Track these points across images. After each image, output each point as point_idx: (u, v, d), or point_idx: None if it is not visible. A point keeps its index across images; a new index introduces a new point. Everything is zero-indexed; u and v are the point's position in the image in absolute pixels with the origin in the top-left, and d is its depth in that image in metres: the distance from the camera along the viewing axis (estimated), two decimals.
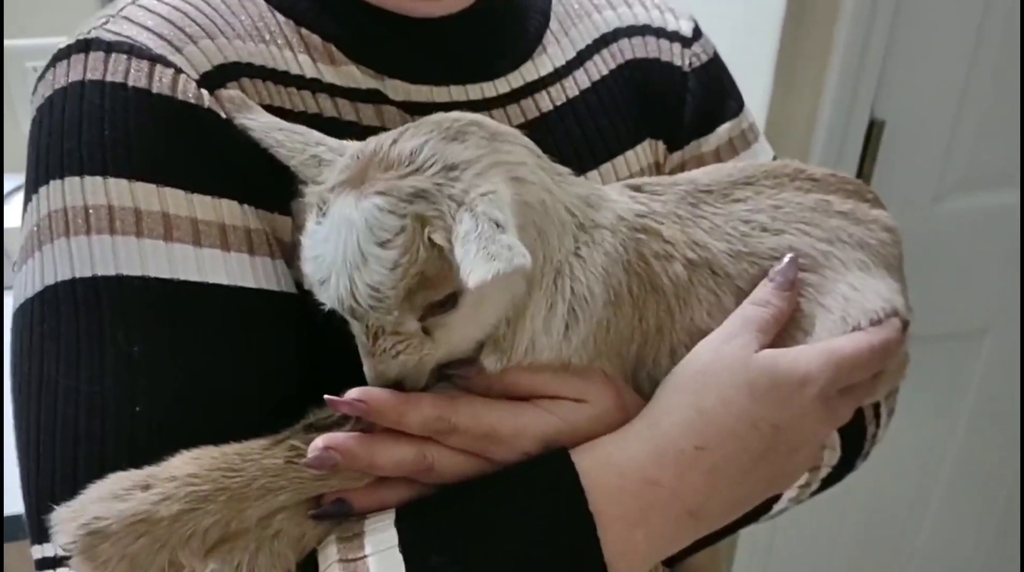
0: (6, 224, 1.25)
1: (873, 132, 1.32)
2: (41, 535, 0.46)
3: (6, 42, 1.40)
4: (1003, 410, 1.66)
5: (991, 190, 1.45)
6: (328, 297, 0.45)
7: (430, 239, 0.43)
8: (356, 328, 0.47)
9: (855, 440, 0.65)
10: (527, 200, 0.47)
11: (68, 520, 0.43)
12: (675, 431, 0.49)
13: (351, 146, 0.49)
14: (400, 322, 0.45)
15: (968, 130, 1.38)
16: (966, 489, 1.75)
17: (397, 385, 0.47)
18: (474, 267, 0.40)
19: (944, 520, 1.78)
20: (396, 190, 0.43)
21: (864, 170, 1.34)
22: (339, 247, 0.43)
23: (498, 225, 0.41)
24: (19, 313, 0.50)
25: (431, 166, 0.44)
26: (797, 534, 1.69)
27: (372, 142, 0.47)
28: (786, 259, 0.55)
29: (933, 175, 1.40)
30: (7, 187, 1.34)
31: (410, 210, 0.43)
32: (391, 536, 0.46)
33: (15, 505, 0.84)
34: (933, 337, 1.51)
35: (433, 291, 0.44)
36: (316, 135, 0.51)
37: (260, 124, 0.51)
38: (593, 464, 0.48)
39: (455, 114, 0.48)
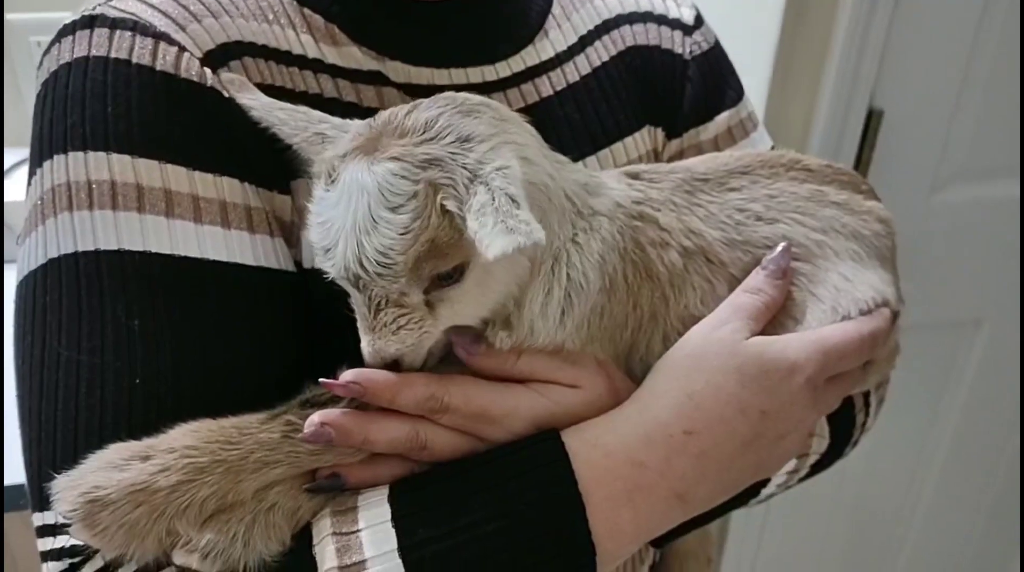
0: (8, 198, 1.26)
1: (872, 122, 1.33)
2: (42, 503, 0.47)
3: (10, 16, 1.40)
4: (998, 399, 1.68)
5: (989, 181, 1.46)
6: (334, 264, 0.45)
7: (442, 206, 0.43)
8: (357, 300, 0.47)
9: (844, 428, 0.66)
10: (533, 181, 0.48)
11: (68, 489, 0.44)
12: (664, 415, 0.50)
13: (355, 124, 0.50)
14: (405, 293, 0.45)
15: (967, 121, 1.39)
16: (960, 477, 1.77)
17: (394, 365, 0.48)
18: (492, 239, 0.40)
19: (938, 508, 1.80)
20: (410, 156, 0.44)
21: (863, 159, 1.35)
22: (349, 211, 0.43)
23: (513, 200, 0.42)
24: (22, 285, 0.51)
25: (445, 136, 0.45)
26: (789, 520, 1.71)
27: (385, 113, 0.47)
28: (779, 248, 0.56)
29: (931, 165, 1.41)
30: (9, 162, 1.34)
31: (423, 176, 0.43)
32: (384, 511, 0.46)
33: (15, 475, 0.85)
34: (930, 326, 1.53)
35: (441, 261, 0.45)
36: (318, 114, 0.51)
37: (262, 103, 0.52)
38: (582, 445, 0.49)
39: (465, 94, 0.49)
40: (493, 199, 0.42)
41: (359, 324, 0.48)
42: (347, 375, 0.47)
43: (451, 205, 0.43)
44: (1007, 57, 1.35)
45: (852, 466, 1.64)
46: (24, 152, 1.30)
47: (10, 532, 0.99)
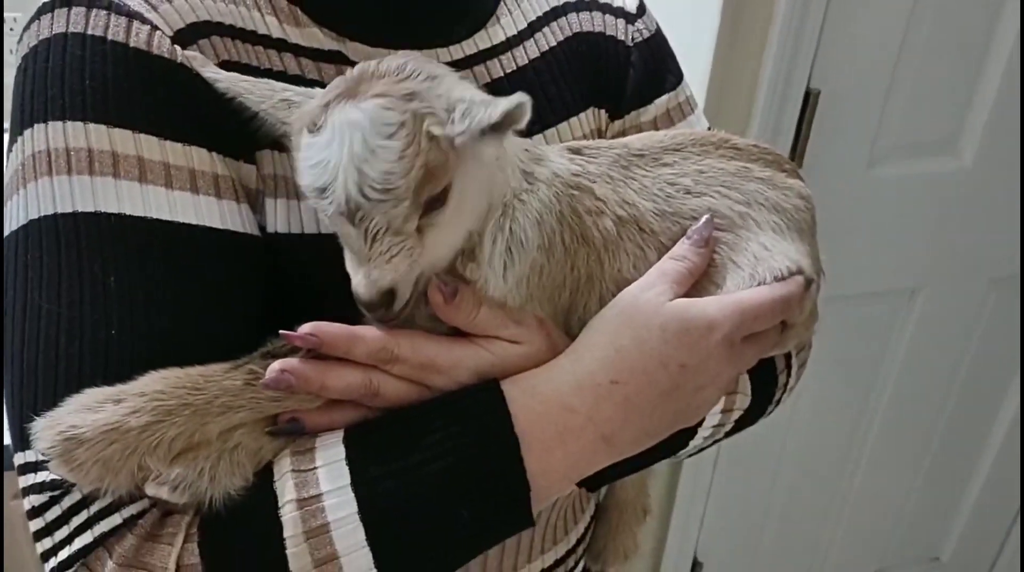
0: None
1: (810, 101, 1.37)
2: (23, 443, 0.51)
3: None
4: (933, 361, 1.76)
5: (922, 157, 1.52)
6: (333, 200, 0.48)
7: (429, 132, 0.48)
8: (351, 235, 0.50)
9: (766, 387, 0.71)
10: None
11: (47, 428, 0.47)
12: (594, 366, 0.55)
13: (317, 91, 0.53)
14: (406, 218, 0.49)
15: (900, 100, 1.43)
16: (898, 434, 1.84)
17: (388, 298, 0.51)
18: (490, 109, 0.46)
19: (877, 465, 1.87)
20: (393, 92, 0.48)
21: (801, 137, 1.40)
22: (344, 147, 0.47)
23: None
24: (3, 245, 0.54)
25: (417, 75, 0.50)
26: (735, 477, 1.77)
27: (358, 66, 0.51)
28: (703, 219, 0.61)
29: (867, 142, 1.46)
30: None
31: (408, 107, 0.48)
32: (339, 451, 0.51)
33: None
34: (869, 295, 1.61)
35: (435, 184, 0.49)
36: (281, 84, 0.55)
37: (226, 76, 0.54)
38: (519, 393, 0.53)
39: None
40: (476, 99, 0.48)
41: (349, 263, 0.51)
42: (305, 328, 0.51)
43: (436, 130, 0.48)
44: (939, 39, 1.39)
45: (796, 425, 1.74)
46: None
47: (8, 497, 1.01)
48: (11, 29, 1.41)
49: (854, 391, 1.76)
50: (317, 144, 0.48)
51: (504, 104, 0.46)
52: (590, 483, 0.62)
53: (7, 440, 0.83)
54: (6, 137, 0.57)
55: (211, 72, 0.55)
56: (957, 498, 2.00)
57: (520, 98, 0.46)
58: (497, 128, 0.47)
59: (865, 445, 1.84)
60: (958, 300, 1.69)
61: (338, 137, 0.47)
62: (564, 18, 0.74)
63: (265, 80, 0.55)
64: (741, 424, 0.71)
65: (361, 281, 0.50)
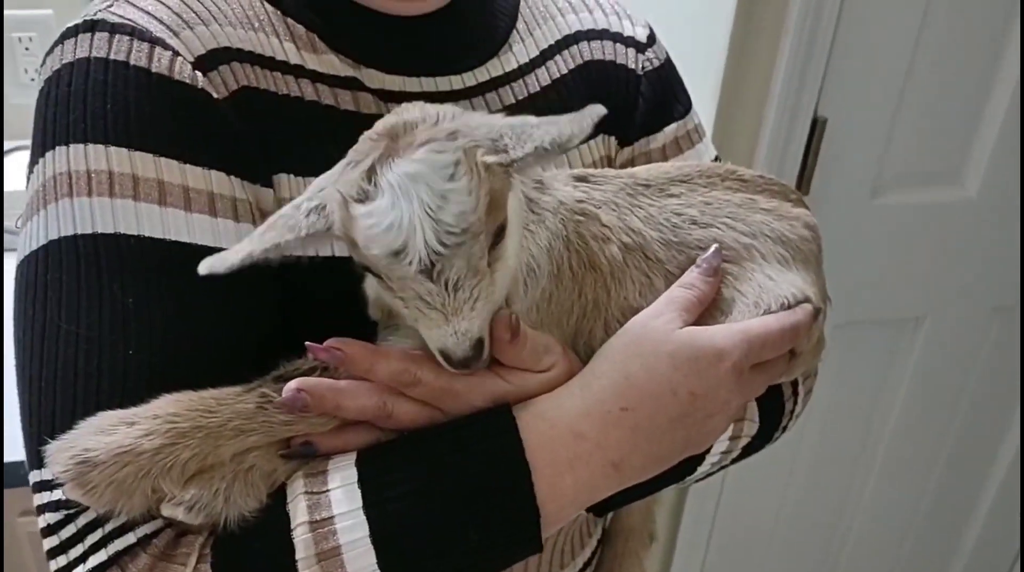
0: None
1: (816, 130, 1.38)
2: (39, 461, 0.51)
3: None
4: (937, 390, 1.76)
5: (927, 186, 1.52)
6: (414, 257, 0.46)
7: (484, 163, 0.48)
8: (433, 293, 0.48)
9: (773, 414, 0.71)
10: None
11: (60, 451, 0.48)
12: (603, 393, 0.55)
13: (323, 182, 0.51)
14: (481, 255, 0.48)
15: (906, 130, 1.44)
16: (902, 463, 1.84)
17: (479, 344, 0.50)
18: (579, 118, 0.47)
19: (882, 495, 1.86)
20: (436, 135, 0.48)
21: (807, 166, 1.41)
22: (412, 201, 0.45)
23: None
24: (24, 264, 0.55)
25: (445, 116, 0.50)
26: (741, 505, 1.76)
27: (377, 128, 0.50)
28: (711, 249, 0.62)
29: (872, 171, 1.47)
30: None
31: (456, 145, 0.48)
32: (352, 473, 0.51)
33: (14, 453, 0.87)
34: (874, 322, 1.61)
35: (496, 214, 0.48)
36: (289, 205, 0.51)
37: (249, 250, 0.49)
38: (531, 418, 0.54)
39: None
40: (535, 124, 0.49)
41: (426, 324, 0.49)
42: (330, 342, 0.51)
43: (491, 158, 0.48)
44: (944, 69, 1.41)
45: (802, 452, 1.73)
46: (6, 145, 1.32)
47: (8, 511, 1.01)
48: (27, 48, 1.43)
49: (859, 418, 1.76)
50: (379, 209, 0.46)
51: (571, 123, 0.47)
52: (597, 508, 0.62)
53: (8, 458, 0.83)
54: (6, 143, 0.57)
55: (234, 258, 0.49)
56: (960, 527, 1.99)
57: (597, 110, 0.46)
58: (561, 147, 0.47)
59: (871, 471, 1.84)
60: (962, 328, 1.69)
61: (402, 194, 0.46)
62: (575, 46, 0.76)
63: (273, 217, 0.51)
64: (748, 451, 0.71)
65: (450, 338, 0.49)
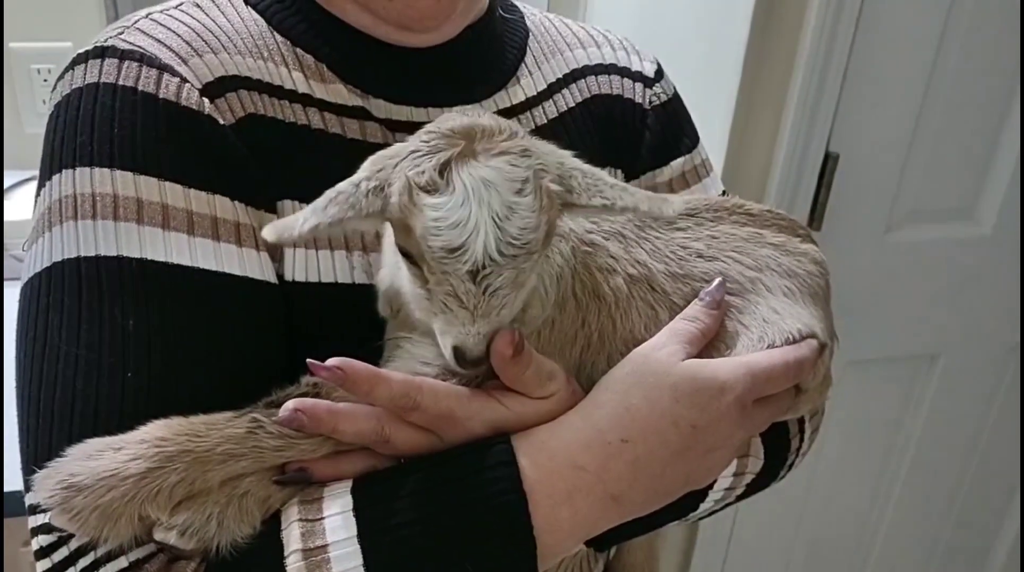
0: (6, 218, 1.29)
1: (828, 165, 1.38)
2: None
3: (11, 44, 1.45)
4: (953, 427, 1.74)
5: (940, 222, 1.52)
6: (467, 258, 0.47)
7: (548, 189, 0.49)
8: (471, 293, 0.48)
9: (779, 451, 0.70)
10: None
11: (46, 478, 0.48)
12: (604, 424, 0.55)
13: (372, 160, 0.52)
14: (530, 272, 0.50)
15: (918, 165, 1.44)
16: (917, 501, 1.81)
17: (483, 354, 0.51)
18: (659, 202, 0.51)
19: (896, 532, 1.84)
20: (512, 149, 0.49)
21: (819, 201, 1.40)
22: (483, 206, 0.47)
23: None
24: (28, 285, 0.55)
25: (517, 131, 0.51)
26: (753, 544, 1.74)
27: (454, 123, 0.50)
28: (715, 282, 0.62)
29: (885, 207, 1.46)
30: (7, 183, 1.38)
31: (528, 164, 0.49)
32: (347, 501, 0.51)
33: (14, 483, 0.86)
34: (889, 360, 1.60)
35: (548, 239, 0.50)
36: (345, 181, 0.51)
37: (312, 225, 0.49)
38: (530, 448, 0.53)
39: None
40: (606, 178, 0.51)
41: (445, 321, 0.50)
42: (332, 361, 0.51)
43: (555, 187, 0.49)
44: (958, 105, 1.41)
45: (816, 490, 1.71)
46: (21, 174, 1.34)
47: (9, 540, 1.01)
48: (45, 80, 1.45)
49: (873, 457, 1.75)
50: (449, 205, 0.47)
51: (649, 201, 0.50)
52: (598, 543, 0.61)
53: (7, 488, 0.82)
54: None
55: (302, 228, 0.49)
56: (979, 567, 1.95)
57: (679, 202, 0.51)
58: (623, 213, 0.50)
59: (886, 511, 1.81)
60: (977, 367, 1.68)
61: (474, 196, 0.47)
62: (583, 80, 0.76)
63: (332, 191, 0.50)
64: (753, 488, 0.70)
65: (471, 336, 0.50)
